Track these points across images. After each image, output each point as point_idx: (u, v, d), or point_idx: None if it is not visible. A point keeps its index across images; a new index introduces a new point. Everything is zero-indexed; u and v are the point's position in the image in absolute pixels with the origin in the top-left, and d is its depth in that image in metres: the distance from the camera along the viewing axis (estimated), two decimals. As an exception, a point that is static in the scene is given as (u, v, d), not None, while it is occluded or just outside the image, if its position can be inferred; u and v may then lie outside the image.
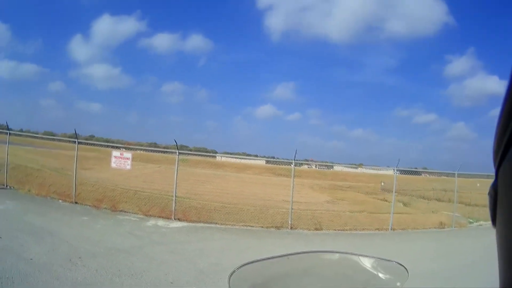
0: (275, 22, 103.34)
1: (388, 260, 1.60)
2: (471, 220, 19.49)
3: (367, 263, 1.62)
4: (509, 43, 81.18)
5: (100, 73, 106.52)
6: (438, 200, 27.67)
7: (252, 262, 1.49)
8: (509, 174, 0.67)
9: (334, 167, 36.21)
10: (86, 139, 20.59)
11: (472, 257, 10.68)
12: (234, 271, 1.43)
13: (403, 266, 1.55)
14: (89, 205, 14.76)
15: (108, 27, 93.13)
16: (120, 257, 8.37)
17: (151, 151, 22.48)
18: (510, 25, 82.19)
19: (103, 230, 11.42)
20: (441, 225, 17.71)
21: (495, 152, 0.71)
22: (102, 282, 6.67)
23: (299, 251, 1.66)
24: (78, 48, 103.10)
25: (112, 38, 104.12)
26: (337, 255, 1.68)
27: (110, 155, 16.11)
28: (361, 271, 1.60)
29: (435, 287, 7.29)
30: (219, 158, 38.51)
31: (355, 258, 1.64)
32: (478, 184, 25.47)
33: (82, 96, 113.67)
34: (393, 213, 16.50)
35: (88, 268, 7.22)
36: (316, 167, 36.28)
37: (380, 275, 1.58)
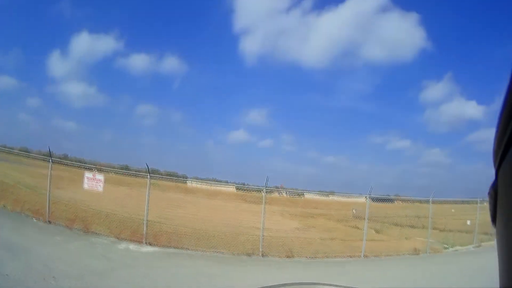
0: (251, 46, 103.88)
1: None
2: (446, 246, 19.60)
3: None
4: (487, 69, 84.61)
5: (76, 90, 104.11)
6: (412, 226, 27.39)
7: None
8: (509, 174, 0.69)
9: (305, 194, 36.49)
10: (60, 158, 20.46)
11: (449, 282, 11.12)
12: None
13: None
14: (62, 225, 14.63)
15: (86, 45, 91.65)
16: (93, 279, 8.39)
17: (123, 173, 22.58)
18: (488, 51, 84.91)
19: (76, 251, 11.41)
20: (416, 251, 17.78)
21: (495, 152, 0.73)
22: None
23: (284, 280, 1.68)
24: (56, 64, 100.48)
25: (90, 56, 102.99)
26: (317, 286, 1.78)
27: (83, 175, 16.08)
28: None
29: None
30: (190, 184, 38.34)
31: None
32: (452, 210, 25.90)
33: (58, 112, 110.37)
34: (365, 240, 16.54)
35: None
36: (286, 194, 36.45)
37: None
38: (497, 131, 0.70)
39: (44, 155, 16.78)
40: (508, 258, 0.68)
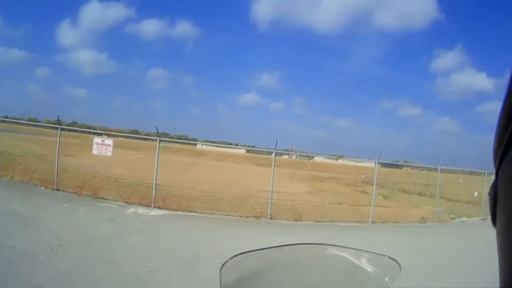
0: (264, 10, 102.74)
1: (380, 254, 1.58)
2: (453, 216, 19.58)
3: (359, 257, 1.63)
4: (498, 41, 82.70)
5: (87, 58, 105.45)
6: (420, 194, 27.43)
7: (244, 253, 1.47)
8: (509, 174, 0.69)
9: (314, 158, 36.41)
10: (69, 125, 20.47)
11: (455, 253, 11.05)
12: (225, 262, 1.41)
13: (395, 260, 1.51)
14: (71, 192, 14.82)
15: (96, 13, 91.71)
16: (100, 244, 8.46)
17: (133, 138, 22.57)
18: (500, 24, 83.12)
19: (84, 217, 11.55)
20: (423, 219, 17.73)
21: (495, 152, 0.73)
22: (83, 270, 6.73)
23: (291, 242, 1.63)
24: (66, 33, 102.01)
25: (100, 24, 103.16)
26: (330, 248, 1.69)
27: (92, 141, 16.13)
28: (352, 265, 1.61)
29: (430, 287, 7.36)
30: (199, 146, 38.42)
31: (347, 251, 1.65)
32: (460, 180, 25.57)
33: (68, 81, 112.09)
34: (373, 206, 16.55)
35: (69, 256, 7.31)
36: (296, 157, 36.36)
37: (372, 269, 1.59)
38: (497, 131, 0.71)
39: (53, 123, 16.76)
40: (508, 258, 0.69)
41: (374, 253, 1.59)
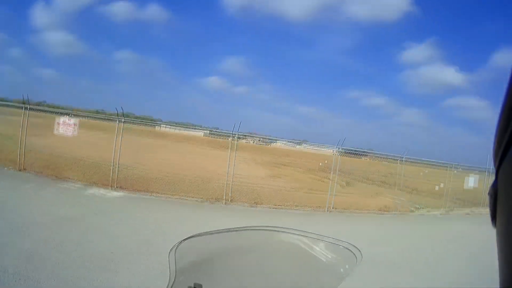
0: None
1: (340, 241, 1.56)
2: (417, 206, 19.88)
3: (318, 243, 1.62)
4: (469, 37, 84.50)
5: (56, 39, 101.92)
6: (382, 183, 26.79)
7: (196, 236, 1.48)
8: (509, 174, 0.68)
9: (277, 142, 36.41)
10: (37, 105, 20.74)
11: (416, 243, 11.71)
12: (176, 245, 1.40)
13: (356, 248, 1.50)
14: (34, 173, 15.31)
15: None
16: (63, 226, 8.77)
17: (95, 118, 22.74)
18: (473, 20, 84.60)
19: (46, 198, 11.90)
20: (385, 208, 18.00)
21: (495, 152, 0.71)
22: (49, 252, 6.97)
23: (245, 226, 1.62)
24: (36, 14, 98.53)
25: (70, 4, 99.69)
26: (286, 233, 1.68)
27: (56, 121, 16.44)
28: (311, 251, 1.60)
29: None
30: (163, 128, 38.27)
31: (306, 237, 1.62)
32: (426, 171, 25.39)
33: (36, 62, 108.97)
34: (333, 194, 16.76)
35: (34, 239, 7.58)
36: (257, 142, 35.79)
37: (331, 256, 1.58)
38: (497, 131, 0.70)
39: (20, 103, 17.01)
40: (508, 258, 0.68)
41: (334, 239, 1.58)
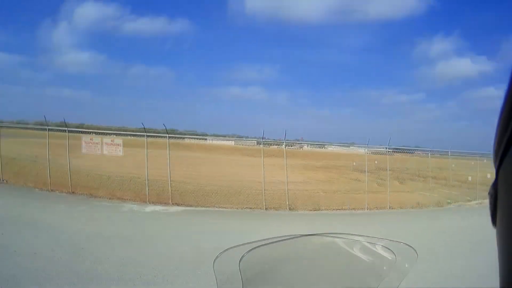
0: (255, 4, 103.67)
1: (394, 241, 1.56)
2: (449, 201, 19.25)
3: (372, 245, 1.59)
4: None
5: (84, 59, 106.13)
6: (433, 179, 25.81)
7: (238, 246, 1.47)
8: (509, 174, 0.67)
9: (325, 146, 36.65)
10: (77, 127, 20.49)
11: (452, 237, 10.81)
12: (218, 256, 1.42)
13: (411, 247, 1.51)
14: (85, 194, 14.97)
15: (91, 13, 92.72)
16: (122, 245, 8.43)
17: (138, 135, 22.28)
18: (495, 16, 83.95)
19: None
20: (438, 203, 17.82)
21: (495, 152, 0.71)
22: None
23: (296, 234, 1.60)
24: (56, 34, 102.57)
25: (96, 25, 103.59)
26: (341, 238, 1.62)
27: (101, 142, 16.29)
28: (366, 253, 1.58)
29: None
30: (208, 141, 38.52)
31: (359, 240, 1.62)
32: (453, 165, 25.63)
33: (70, 84, 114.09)
34: (387, 193, 16.71)
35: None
36: (307, 147, 36.29)
37: (387, 256, 1.54)
38: (497, 131, 0.69)
39: (59, 125, 16.77)
40: (508, 258, 0.68)
41: (388, 240, 1.57)
